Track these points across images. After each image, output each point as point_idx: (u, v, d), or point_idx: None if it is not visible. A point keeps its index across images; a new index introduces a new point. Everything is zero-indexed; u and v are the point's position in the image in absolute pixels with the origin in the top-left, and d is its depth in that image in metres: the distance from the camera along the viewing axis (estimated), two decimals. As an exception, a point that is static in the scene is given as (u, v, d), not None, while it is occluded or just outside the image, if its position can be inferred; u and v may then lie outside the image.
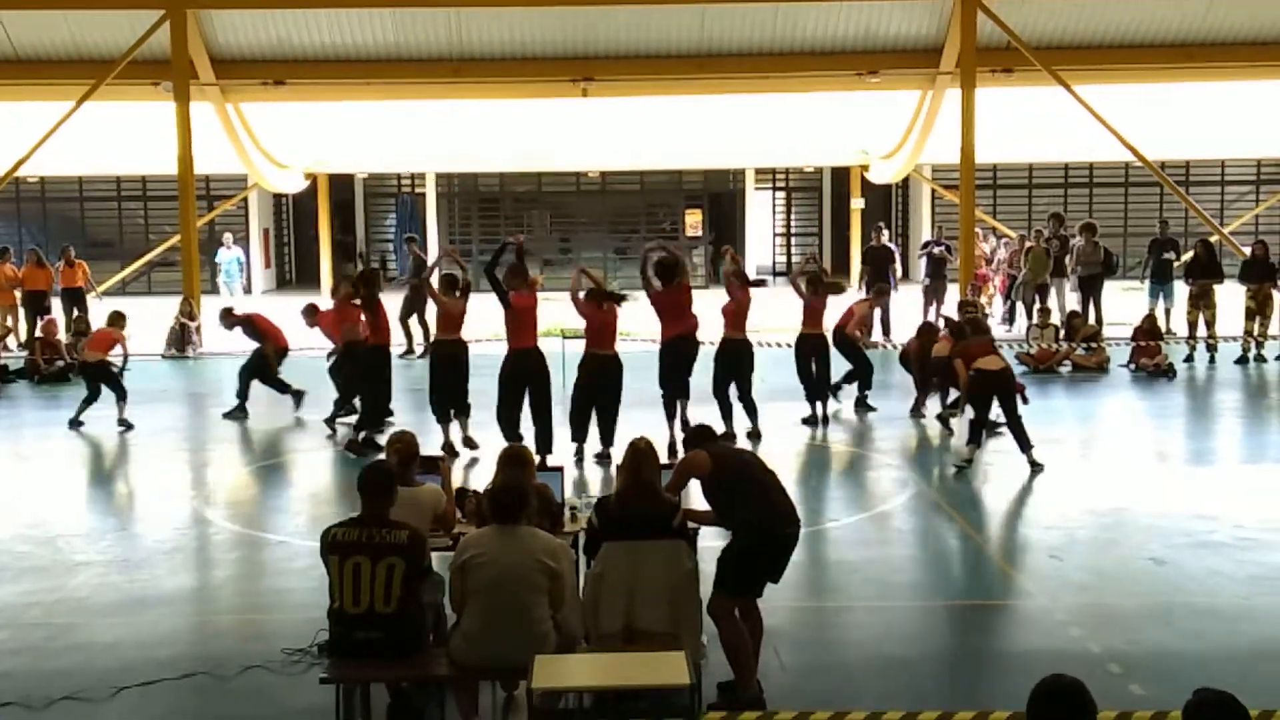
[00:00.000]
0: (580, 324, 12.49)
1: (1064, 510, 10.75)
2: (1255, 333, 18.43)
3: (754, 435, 13.22)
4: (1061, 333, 18.85)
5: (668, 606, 6.37)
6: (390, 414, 13.84)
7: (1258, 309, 18.46)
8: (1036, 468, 11.89)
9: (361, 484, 6.36)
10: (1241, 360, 18.24)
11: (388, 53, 22.68)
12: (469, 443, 12.89)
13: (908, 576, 9.33)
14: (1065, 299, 21.09)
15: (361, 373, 13.50)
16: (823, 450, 13.30)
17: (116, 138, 24.68)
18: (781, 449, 12.95)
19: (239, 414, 15.07)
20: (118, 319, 15.02)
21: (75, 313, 20.76)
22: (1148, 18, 22.41)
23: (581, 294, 12.29)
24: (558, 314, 23.17)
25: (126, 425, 14.52)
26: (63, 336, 19.14)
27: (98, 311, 18.67)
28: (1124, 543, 9.97)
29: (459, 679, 6.22)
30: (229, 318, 15.74)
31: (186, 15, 21.33)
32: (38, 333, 19.69)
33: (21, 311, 21.36)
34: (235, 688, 7.09)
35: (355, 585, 6.08)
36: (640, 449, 6.71)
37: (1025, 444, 11.93)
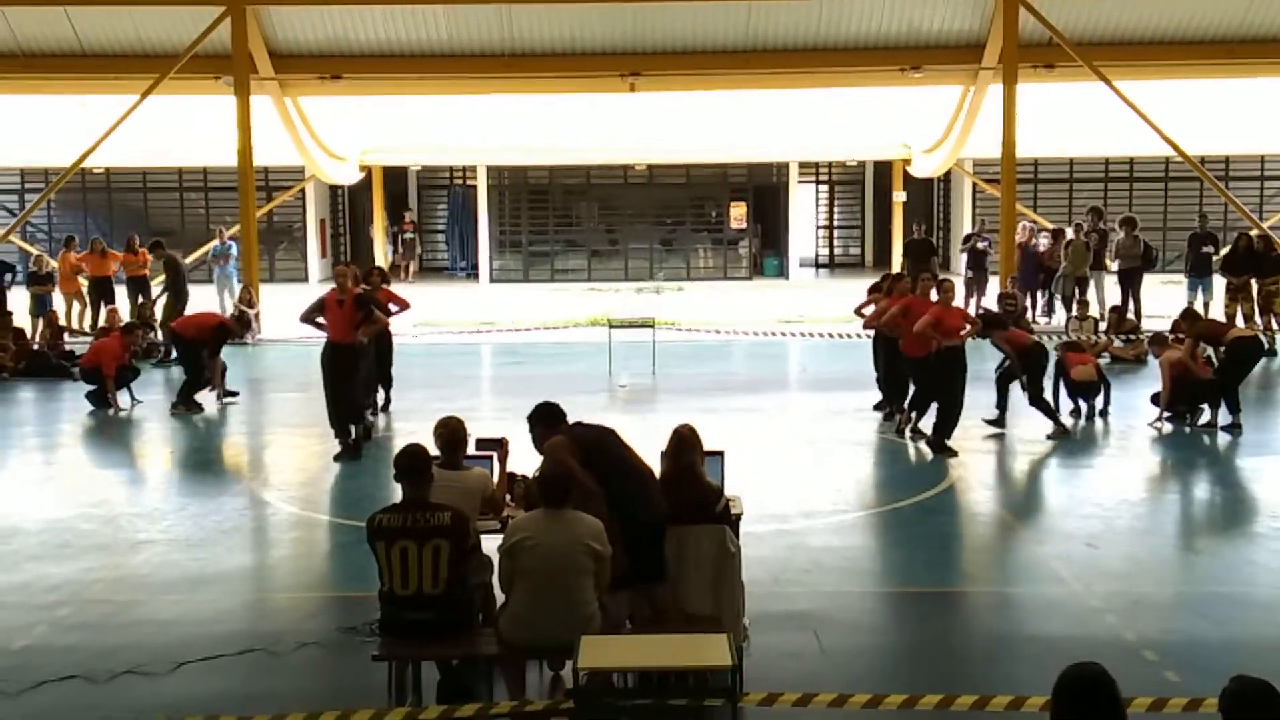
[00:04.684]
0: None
1: (1100, 499, 10.88)
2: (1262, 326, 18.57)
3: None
4: (1101, 325, 19.06)
5: (710, 589, 6.49)
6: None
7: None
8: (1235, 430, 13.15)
9: (398, 469, 6.49)
10: (1269, 353, 18.38)
11: (441, 48, 23.09)
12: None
13: (946, 562, 9.51)
14: (1104, 292, 21.30)
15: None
16: (862, 440, 13.30)
17: (179, 130, 25.35)
18: (826, 437, 13.11)
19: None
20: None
21: (140, 299, 21.38)
22: (1188, 14, 22.51)
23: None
24: (604, 303, 23.69)
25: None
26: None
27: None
28: (1159, 532, 10.19)
29: (507, 658, 6.36)
30: None
31: (246, 12, 21.82)
32: (102, 321, 20.10)
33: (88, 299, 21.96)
34: (291, 664, 7.22)
35: (403, 569, 6.20)
36: (684, 435, 6.73)
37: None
